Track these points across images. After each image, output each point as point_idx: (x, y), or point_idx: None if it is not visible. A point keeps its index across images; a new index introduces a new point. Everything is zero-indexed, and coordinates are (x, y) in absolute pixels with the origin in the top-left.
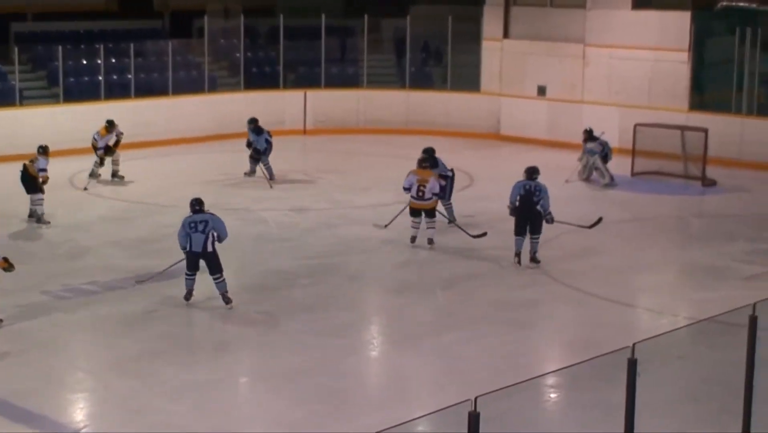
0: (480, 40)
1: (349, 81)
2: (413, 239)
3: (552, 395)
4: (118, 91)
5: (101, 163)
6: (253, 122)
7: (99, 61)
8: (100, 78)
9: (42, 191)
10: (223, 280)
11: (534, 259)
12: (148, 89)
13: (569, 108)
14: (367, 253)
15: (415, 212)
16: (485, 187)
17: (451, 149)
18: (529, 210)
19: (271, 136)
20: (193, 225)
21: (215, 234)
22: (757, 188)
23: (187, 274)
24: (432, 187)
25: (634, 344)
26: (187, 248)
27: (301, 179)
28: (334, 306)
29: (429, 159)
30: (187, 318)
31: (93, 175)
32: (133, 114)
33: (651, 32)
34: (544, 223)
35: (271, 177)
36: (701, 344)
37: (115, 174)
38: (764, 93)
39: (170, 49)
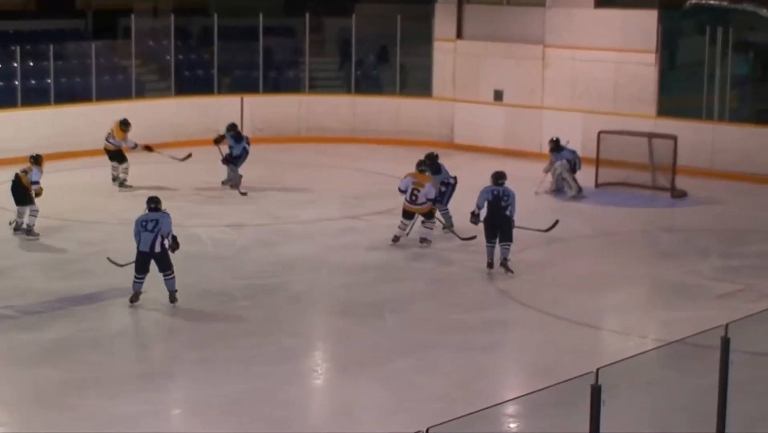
0: (431, 41)
1: (290, 86)
2: (396, 238)
3: (511, 425)
4: (36, 96)
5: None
6: (232, 129)
7: (15, 64)
8: (17, 83)
9: (34, 203)
10: (173, 278)
11: (506, 266)
12: (70, 95)
13: (528, 114)
14: (310, 272)
15: (407, 215)
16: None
17: (402, 159)
18: (498, 216)
19: (249, 144)
20: (144, 224)
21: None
22: (730, 200)
23: (135, 276)
24: (427, 192)
25: (598, 369)
26: (137, 247)
27: (238, 195)
28: (275, 330)
29: (431, 165)
30: (115, 345)
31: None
32: (53, 122)
33: (615, 32)
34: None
35: (237, 185)
36: (671, 368)
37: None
38: (737, 97)
39: (93, 50)
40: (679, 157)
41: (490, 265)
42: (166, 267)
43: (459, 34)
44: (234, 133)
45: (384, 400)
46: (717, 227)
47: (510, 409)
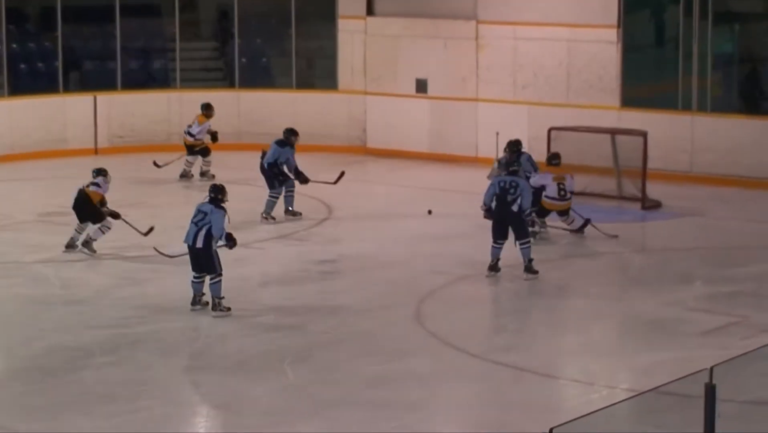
0: (335, 20)
1: (157, 80)
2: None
3: None
4: None
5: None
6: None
7: None
8: None
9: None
10: (217, 282)
11: (529, 269)
12: None
13: (460, 109)
14: (186, 316)
15: (546, 212)
16: (348, 224)
17: (302, 168)
18: (504, 212)
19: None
20: (195, 212)
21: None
22: (715, 210)
23: (192, 275)
24: (569, 185)
25: (552, 429)
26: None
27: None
28: (143, 393)
29: (515, 153)
30: None
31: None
32: None
33: (567, 3)
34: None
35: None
36: (646, 423)
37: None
38: (720, 81)
39: None
40: (651, 158)
41: (492, 268)
42: (207, 269)
43: (369, 10)
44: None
45: None
46: (700, 244)
47: None
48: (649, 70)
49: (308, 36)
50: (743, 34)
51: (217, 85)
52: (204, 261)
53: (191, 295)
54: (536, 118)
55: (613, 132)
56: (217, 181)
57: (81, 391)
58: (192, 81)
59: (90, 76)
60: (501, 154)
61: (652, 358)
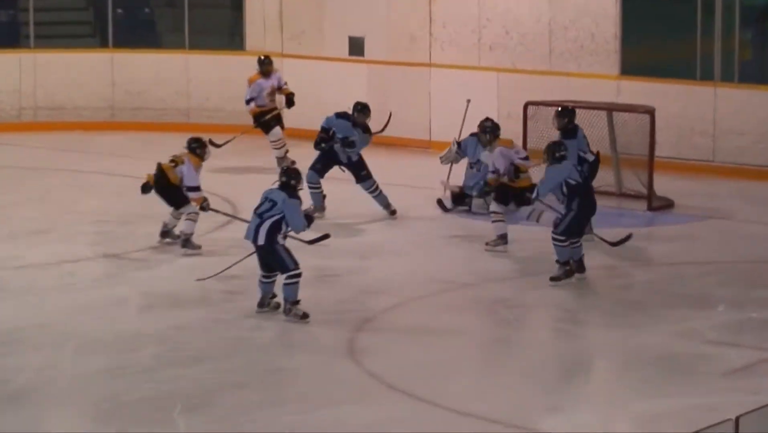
0: None
1: (5, 39)
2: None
3: None
4: None
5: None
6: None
7: None
8: None
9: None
10: (292, 283)
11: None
12: None
13: (407, 77)
14: (45, 350)
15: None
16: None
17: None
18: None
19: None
20: (260, 202)
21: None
22: (744, 211)
23: (260, 274)
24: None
25: None
26: None
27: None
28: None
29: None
30: None
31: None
32: None
33: None
34: None
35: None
36: None
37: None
38: (750, 44)
39: None
40: (660, 143)
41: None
42: (278, 267)
43: None
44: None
45: None
46: (722, 256)
47: None
48: (658, 26)
49: None
50: None
51: (85, 45)
52: (271, 259)
53: (259, 296)
54: (508, 89)
55: (611, 108)
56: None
57: None
58: (50, 39)
59: None
60: (464, 136)
61: (660, 405)
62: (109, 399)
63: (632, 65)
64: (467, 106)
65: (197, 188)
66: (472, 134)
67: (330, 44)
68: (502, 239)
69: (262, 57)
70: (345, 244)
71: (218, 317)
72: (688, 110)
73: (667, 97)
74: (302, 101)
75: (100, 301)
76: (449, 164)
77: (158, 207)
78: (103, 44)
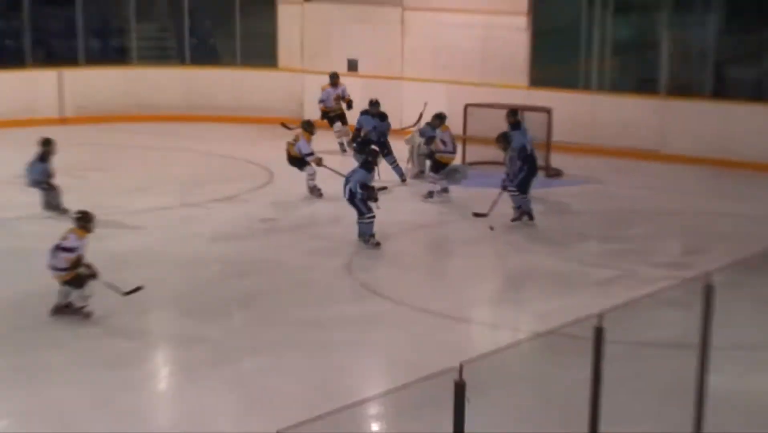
0: (275, 4)
1: (116, 56)
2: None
3: (373, 426)
4: None
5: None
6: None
7: None
8: None
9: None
10: (364, 222)
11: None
12: None
13: (386, 86)
14: (146, 267)
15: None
16: (288, 187)
17: (245, 138)
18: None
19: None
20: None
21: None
22: (611, 178)
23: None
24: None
25: (461, 364)
26: None
27: (61, 182)
28: (108, 333)
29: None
30: None
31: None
32: None
33: None
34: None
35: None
36: (544, 361)
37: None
38: (618, 64)
39: None
40: (555, 132)
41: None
42: (357, 211)
43: None
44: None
45: (233, 404)
46: (595, 208)
47: (372, 409)
48: (555, 53)
49: (252, 18)
50: (639, 22)
51: (169, 62)
52: (355, 207)
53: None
54: (454, 96)
55: (522, 108)
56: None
57: (48, 331)
58: (147, 58)
59: (56, 52)
60: (423, 124)
61: (551, 305)
62: (190, 299)
63: (537, 79)
64: (425, 106)
65: (311, 153)
66: (426, 123)
67: (335, 64)
68: (445, 191)
69: (333, 72)
70: (334, 196)
71: (263, 246)
72: (575, 109)
73: (561, 100)
74: (317, 101)
75: (181, 235)
76: (410, 145)
77: (224, 172)
78: (182, 62)
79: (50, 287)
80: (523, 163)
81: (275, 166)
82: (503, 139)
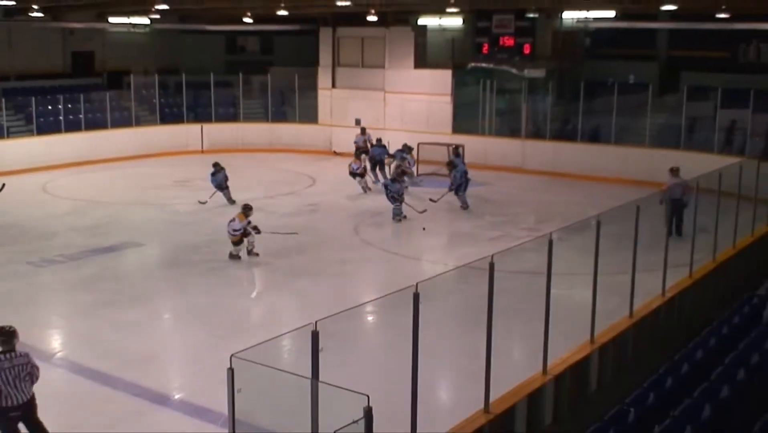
0: (316, 90)
1: (231, 117)
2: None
3: (369, 318)
4: (73, 126)
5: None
6: (379, 141)
7: (59, 106)
8: (61, 118)
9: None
10: (396, 208)
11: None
12: (94, 124)
13: (376, 133)
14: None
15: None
16: (323, 186)
17: (300, 162)
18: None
19: (385, 154)
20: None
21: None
22: (497, 182)
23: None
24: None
25: (417, 284)
26: None
27: (200, 185)
28: (223, 266)
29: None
30: (128, 278)
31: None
32: (83, 142)
33: (427, 83)
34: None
35: (376, 180)
36: (462, 283)
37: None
38: (499, 121)
39: (108, 97)
40: (466, 156)
41: None
42: (393, 203)
43: (333, 85)
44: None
45: (293, 307)
46: (490, 198)
47: (368, 308)
48: (465, 115)
49: (304, 97)
50: (510, 99)
51: (260, 120)
52: (390, 200)
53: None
54: (413, 138)
55: (448, 145)
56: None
57: (194, 265)
58: (248, 118)
59: (199, 115)
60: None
61: (466, 251)
62: (273, 248)
63: (456, 129)
64: (403, 147)
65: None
66: (397, 150)
67: (348, 120)
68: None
69: (362, 127)
70: (352, 193)
71: (308, 219)
72: (477, 145)
73: (469, 140)
74: (339, 141)
75: (265, 213)
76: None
77: (288, 179)
78: (267, 120)
79: (198, 243)
80: (461, 178)
81: (317, 176)
82: (450, 165)
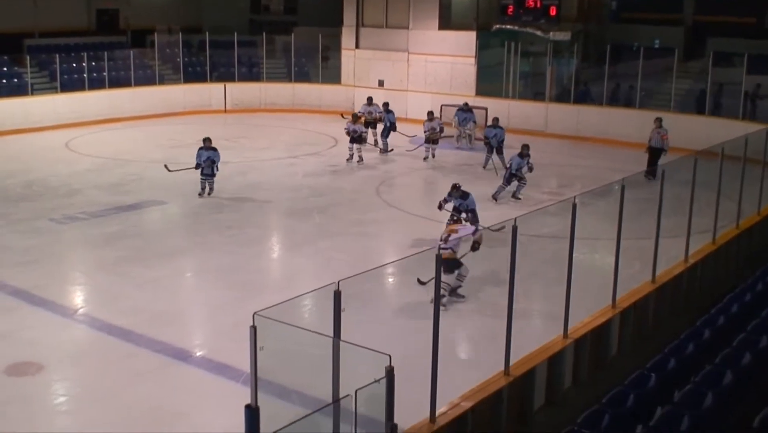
0: (340, 50)
1: (254, 77)
2: None
3: (389, 279)
4: (97, 84)
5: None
6: (386, 105)
7: (83, 64)
8: (85, 75)
9: None
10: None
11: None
12: (117, 83)
13: (399, 94)
14: (268, 191)
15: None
16: (345, 147)
17: (322, 123)
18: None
19: (394, 118)
20: None
21: None
22: (518, 146)
23: None
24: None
25: (440, 244)
26: None
27: (223, 144)
28: (246, 225)
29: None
30: (150, 235)
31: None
32: (107, 100)
33: (451, 45)
34: None
35: (385, 150)
36: (484, 245)
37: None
38: (522, 84)
39: (132, 55)
40: (490, 119)
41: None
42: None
43: (357, 45)
44: (386, 107)
45: (314, 267)
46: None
47: (389, 269)
48: (489, 78)
49: (327, 58)
50: (534, 62)
51: (283, 80)
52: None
53: None
54: (435, 100)
55: (473, 107)
56: None
57: (216, 223)
58: (271, 78)
59: (222, 74)
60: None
61: (489, 213)
62: (290, 208)
63: (480, 91)
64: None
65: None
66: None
67: (371, 82)
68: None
69: (368, 96)
70: (373, 155)
71: (331, 179)
72: (500, 108)
73: (493, 103)
74: (362, 100)
75: (287, 173)
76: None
77: (311, 139)
78: (290, 80)
79: (221, 202)
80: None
81: (339, 136)
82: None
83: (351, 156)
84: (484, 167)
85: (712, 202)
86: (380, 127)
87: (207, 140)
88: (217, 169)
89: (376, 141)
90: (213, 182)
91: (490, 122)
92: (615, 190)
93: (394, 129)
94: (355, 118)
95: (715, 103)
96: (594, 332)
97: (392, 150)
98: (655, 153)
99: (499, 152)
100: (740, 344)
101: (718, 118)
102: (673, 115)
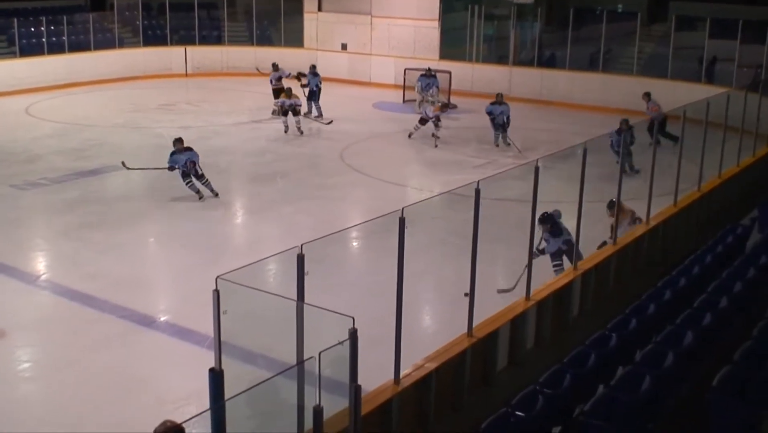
0: (303, 13)
1: (216, 40)
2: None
3: (354, 243)
4: (56, 48)
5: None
6: (313, 68)
7: (42, 28)
8: (44, 40)
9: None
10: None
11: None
12: (77, 46)
13: (362, 58)
14: (231, 155)
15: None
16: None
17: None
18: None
19: (321, 82)
20: None
21: None
22: (481, 110)
23: None
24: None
25: (403, 208)
26: None
27: (185, 108)
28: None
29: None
30: (113, 201)
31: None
32: (67, 64)
33: (413, 8)
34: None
35: (320, 115)
36: (447, 209)
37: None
38: (486, 48)
39: (91, 19)
40: (453, 83)
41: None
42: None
43: (320, 8)
44: (313, 71)
45: (278, 231)
46: (474, 126)
47: (353, 233)
48: (452, 41)
49: (289, 21)
50: (498, 25)
51: (244, 43)
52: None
53: None
54: (398, 64)
55: (436, 71)
56: None
57: (180, 190)
58: (232, 41)
59: (183, 37)
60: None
61: (450, 178)
62: (254, 173)
63: (443, 55)
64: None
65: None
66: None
67: (334, 45)
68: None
69: (273, 63)
70: (344, 121)
71: (295, 144)
72: (463, 72)
73: (456, 67)
74: (324, 65)
75: (250, 137)
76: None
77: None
78: (251, 43)
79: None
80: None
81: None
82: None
83: (287, 129)
84: (496, 145)
85: (674, 165)
86: (305, 93)
87: (179, 141)
88: (201, 169)
89: (309, 111)
90: (209, 183)
91: (494, 99)
92: (577, 153)
93: (316, 97)
94: (289, 93)
95: (677, 67)
96: (556, 294)
97: (331, 122)
98: (661, 123)
99: (504, 129)
100: (701, 305)
101: (680, 82)
102: (636, 79)
